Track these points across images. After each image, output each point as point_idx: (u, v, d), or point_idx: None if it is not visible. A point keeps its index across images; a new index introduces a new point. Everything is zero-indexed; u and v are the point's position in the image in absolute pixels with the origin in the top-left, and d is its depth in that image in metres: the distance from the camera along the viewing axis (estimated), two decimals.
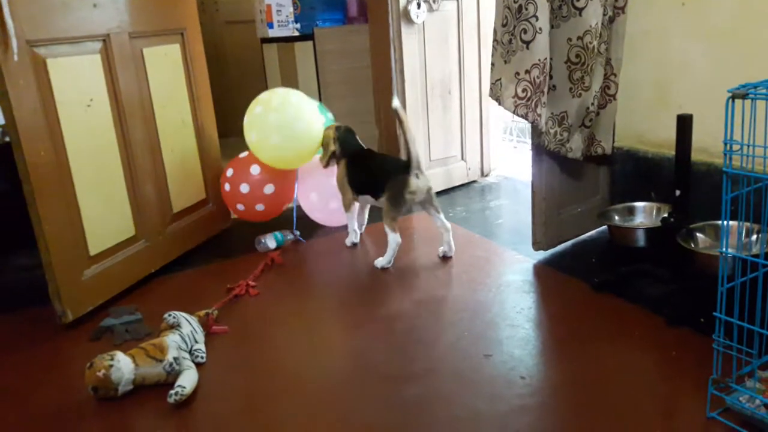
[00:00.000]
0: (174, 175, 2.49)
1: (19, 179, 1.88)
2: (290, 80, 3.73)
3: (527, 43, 1.93)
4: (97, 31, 2.11)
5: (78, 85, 2.04)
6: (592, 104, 2.12)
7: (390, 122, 3.05)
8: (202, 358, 1.74)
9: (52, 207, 1.94)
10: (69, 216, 2.02)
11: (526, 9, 1.90)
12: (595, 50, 2.03)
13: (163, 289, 2.30)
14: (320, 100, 3.44)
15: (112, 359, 1.60)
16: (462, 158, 3.23)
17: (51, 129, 1.94)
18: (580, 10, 1.97)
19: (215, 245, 2.69)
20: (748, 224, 1.73)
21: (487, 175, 3.35)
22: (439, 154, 3.12)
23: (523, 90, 1.97)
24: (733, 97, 1.22)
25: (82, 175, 2.06)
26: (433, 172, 3.09)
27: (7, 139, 1.90)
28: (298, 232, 2.67)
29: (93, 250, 2.12)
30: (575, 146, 2.15)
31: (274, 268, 2.40)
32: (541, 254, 2.30)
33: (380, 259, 2.33)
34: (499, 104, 2.03)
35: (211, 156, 2.74)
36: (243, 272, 2.32)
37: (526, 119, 2.01)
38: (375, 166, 2.39)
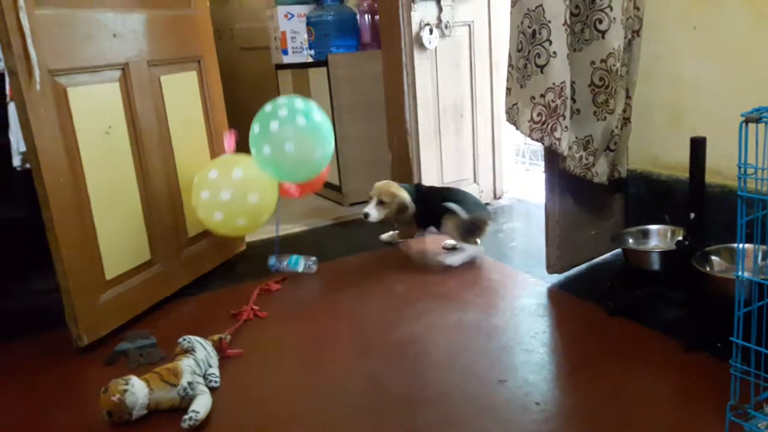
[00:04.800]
0: (190, 199, 2.52)
1: (38, 204, 1.91)
2: None
3: (541, 67, 1.94)
4: (117, 59, 2.16)
5: (97, 112, 2.09)
6: (617, 127, 2.12)
7: (402, 146, 3.08)
8: (216, 382, 1.74)
9: (69, 232, 1.97)
10: (86, 241, 2.04)
11: (540, 34, 1.92)
12: (618, 73, 2.04)
13: (177, 313, 2.32)
14: (334, 124, 3.47)
15: (126, 384, 1.61)
16: (475, 181, 3.24)
17: (70, 156, 1.97)
18: (603, 32, 1.99)
19: (229, 269, 2.71)
20: (764, 247, 1.72)
21: (499, 198, 3.36)
22: (451, 177, 3.13)
23: (539, 114, 1.98)
24: (747, 121, 1.22)
25: (100, 200, 2.09)
26: None
27: (28, 165, 1.94)
28: (313, 259, 2.62)
29: (109, 275, 2.14)
30: (601, 170, 2.16)
31: (277, 293, 2.40)
32: (555, 277, 2.29)
33: (453, 257, 2.50)
34: (516, 129, 2.04)
35: None
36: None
37: (542, 143, 2.01)
38: (440, 207, 2.55)
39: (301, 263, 2.58)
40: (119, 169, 2.19)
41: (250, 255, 2.85)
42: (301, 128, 2.30)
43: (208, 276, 2.62)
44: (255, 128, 2.34)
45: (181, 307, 2.37)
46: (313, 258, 2.62)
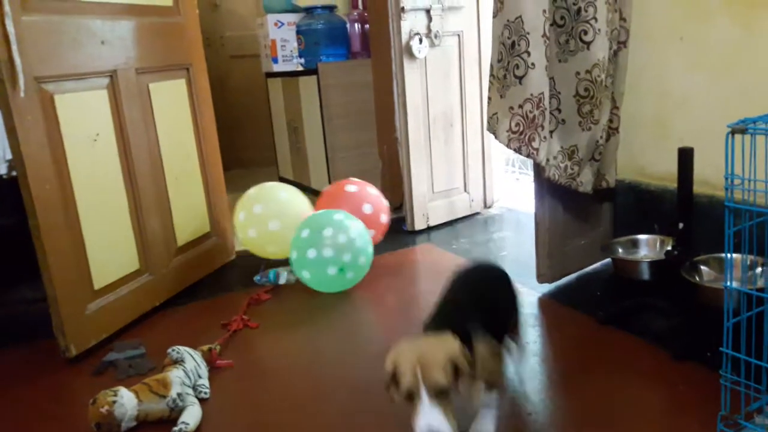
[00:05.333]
0: (179, 208, 2.51)
1: (24, 213, 1.89)
2: (294, 113, 3.78)
3: (520, 78, 1.95)
4: (105, 67, 2.15)
5: (85, 120, 2.07)
6: (602, 137, 2.14)
7: (393, 154, 3.08)
8: (205, 393, 1.73)
9: (57, 241, 1.95)
10: (74, 250, 2.02)
11: (519, 45, 1.93)
12: (603, 83, 2.05)
13: (166, 322, 2.30)
14: (324, 133, 3.47)
15: (115, 395, 1.59)
16: (465, 190, 3.24)
17: (57, 164, 1.95)
18: (588, 44, 2.00)
19: (218, 278, 2.69)
20: (752, 257, 1.73)
21: (489, 207, 3.36)
22: (441, 186, 3.14)
23: (517, 124, 1.99)
24: (733, 132, 1.23)
25: (88, 209, 2.07)
26: (435, 205, 3.11)
27: (14, 173, 1.92)
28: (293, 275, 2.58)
29: (97, 284, 2.12)
30: (585, 180, 2.17)
31: (266, 303, 2.39)
32: (546, 287, 2.29)
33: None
34: (496, 138, 2.05)
35: (216, 189, 2.76)
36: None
37: (520, 153, 2.02)
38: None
39: (282, 276, 2.56)
40: (107, 177, 2.17)
41: (240, 264, 2.84)
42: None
43: (198, 285, 2.60)
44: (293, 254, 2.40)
45: (170, 316, 2.35)
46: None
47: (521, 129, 1.98)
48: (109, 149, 2.18)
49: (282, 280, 2.55)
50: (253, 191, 2.61)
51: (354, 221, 2.39)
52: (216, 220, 2.76)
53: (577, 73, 2.04)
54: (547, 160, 2.05)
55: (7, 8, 1.74)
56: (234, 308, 2.30)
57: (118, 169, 2.22)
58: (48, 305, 1.97)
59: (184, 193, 2.55)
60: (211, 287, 2.60)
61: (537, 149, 1.99)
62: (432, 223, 3.11)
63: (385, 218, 2.71)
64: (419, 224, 3.07)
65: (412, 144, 2.98)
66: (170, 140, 2.46)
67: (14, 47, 1.77)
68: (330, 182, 3.48)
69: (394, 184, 3.06)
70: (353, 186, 2.71)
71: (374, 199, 2.70)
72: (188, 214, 2.58)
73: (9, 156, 2.15)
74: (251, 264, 2.72)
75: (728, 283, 1.28)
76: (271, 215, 2.52)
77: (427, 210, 3.07)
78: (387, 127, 3.09)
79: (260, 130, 4.55)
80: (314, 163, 3.72)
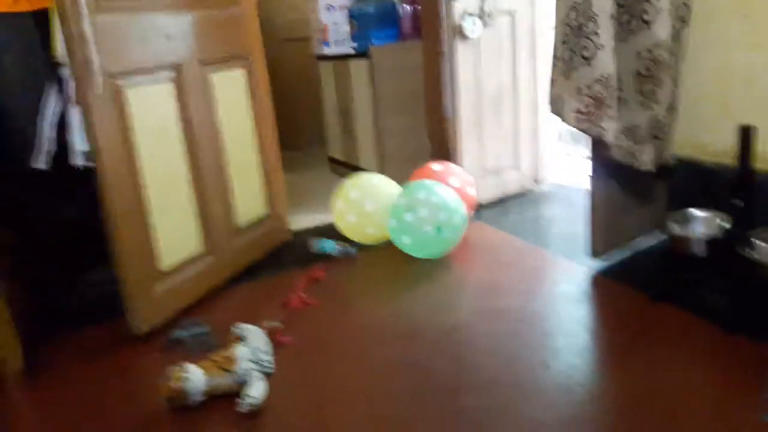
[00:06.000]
0: (239, 194, 2.61)
1: (97, 202, 2.02)
2: (345, 96, 3.84)
3: (588, 59, 1.96)
4: (171, 60, 2.25)
5: (153, 112, 2.18)
6: (664, 116, 2.13)
7: (443, 134, 3.11)
8: (270, 369, 1.83)
9: (127, 227, 2.07)
10: (143, 235, 2.15)
11: (587, 26, 1.93)
12: (665, 62, 2.04)
13: (228, 302, 2.41)
14: (375, 115, 3.52)
15: (185, 371, 1.70)
16: (515, 168, 3.25)
17: (128, 154, 2.07)
18: (649, 23, 1.99)
19: (277, 258, 2.80)
20: None
21: (540, 184, 3.36)
22: (492, 164, 3.15)
23: (586, 106, 2.00)
24: None
25: (156, 196, 2.18)
26: (486, 182, 3.13)
27: (91, 164, 2.04)
28: (352, 249, 2.73)
29: (164, 267, 2.24)
30: (647, 158, 2.17)
31: (323, 281, 2.48)
32: (598, 263, 2.30)
33: None
34: (561, 119, 2.07)
35: (274, 174, 2.85)
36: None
37: (589, 133, 2.04)
38: None
39: (335, 248, 2.72)
40: (173, 166, 2.29)
41: (296, 244, 2.93)
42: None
43: (257, 266, 2.71)
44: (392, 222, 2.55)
45: (232, 295, 2.46)
46: (352, 248, 2.73)
47: (590, 110, 1.99)
48: (175, 139, 2.28)
49: (335, 253, 2.70)
50: (347, 182, 2.78)
51: (445, 187, 2.56)
52: (273, 203, 2.85)
53: (638, 53, 2.03)
54: (615, 138, 2.06)
55: (84, 10, 1.85)
56: (292, 287, 2.40)
57: (184, 158, 2.33)
58: (118, 288, 2.09)
59: (243, 178, 2.65)
60: (270, 267, 2.70)
61: (606, 130, 2.01)
62: (482, 202, 3.13)
63: (472, 191, 2.85)
64: (473, 204, 3.09)
65: (464, 123, 3.00)
66: (231, 128, 2.56)
67: (92, 47, 1.87)
68: (379, 164, 3.54)
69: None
70: (439, 165, 2.85)
71: (460, 174, 2.86)
72: (248, 199, 2.68)
73: (85, 147, 2.28)
74: (307, 243, 2.82)
75: None
76: (366, 197, 2.68)
77: (476, 188, 3.09)
78: (436, 107, 3.11)
79: (311, 112, 4.65)
80: (364, 144, 3.78)
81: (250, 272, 2.65)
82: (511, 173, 3.24)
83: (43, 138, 2.37)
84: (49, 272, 2.63)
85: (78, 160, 2.37)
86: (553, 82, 2.08)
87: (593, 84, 1.97)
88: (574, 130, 2.11)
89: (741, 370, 1.58)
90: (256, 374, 1.74)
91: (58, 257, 2.63)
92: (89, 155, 2.19)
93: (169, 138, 2.26)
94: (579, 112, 2.01)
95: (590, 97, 1.98)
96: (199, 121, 2.37)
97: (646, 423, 1.45)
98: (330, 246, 2.73)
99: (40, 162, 2.38)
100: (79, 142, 2.36)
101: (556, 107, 2.07)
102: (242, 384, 1.71)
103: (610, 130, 2.01)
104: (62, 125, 2.39)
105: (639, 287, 2.09)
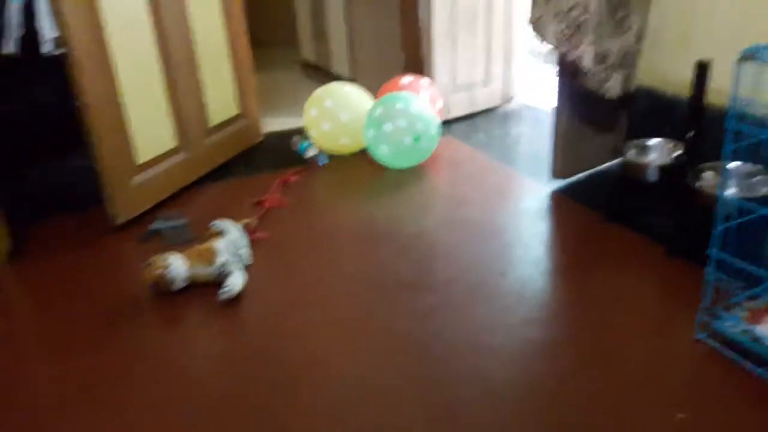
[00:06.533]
0: (210, 89, 2.62)
1: (68, 89, 2.02)
2: None
3: None
4: None
5: (123, 3, 2.15)
6: (632, 45, 2.20)
7: (416, 46, 3.12)
8: (248, 261, 1.93)
9: (102, 119, 2.09)
10: (118, 127, 2.17)
11: None
12: None
13: (202, 198, 2.48)
14: (346, 20, 3.48)
15: (168, 259, 1.79)
16: (486, 84, 3.30)
17: (100, 45, 2.06)
18: None
19: (248, 159, 2.85)
20: (753, 167, 1.86)
21: (509, 102, 3.43)
22: (463, 79, 3.19)
23: (567, 27, 2.06)
24: (742, 59, 1.32)
25: (129, 88, 2.19)
26: (457, 98, 3.19)
27: (61, 50, 2.01)
28: (323, 156, 2.77)
29: (139, 160, 2.28)
30: (613, 86, 2.25)
31: (297, 185, 2.55)
32: (558, 183, 2.43)
33: None
34: (543, 39, 2.12)
35: (244, 71, 2.84)
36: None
37: (566, 57, 2.10)
38: None
39: (311, 149, 2.77)
40: (145, 59, 2.28)
41: (268, 145, 2.97)
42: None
43: (229, 164, 2.76)
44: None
45: (205, 192, 2.52)
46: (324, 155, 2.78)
47: (568, 33, 2.06)
48: (145, 31, 2.26)
49: (311, 153, 2.74)
50: (320, 90, 2.78)
51: (420, 98, 2.63)
52: (245, 103, 2.86)
53: None
54: (591, 64, 2.13)
55: None
56: (264, 187, 2.47)
57: (155, 50, 2.31)
58: (95, 174, 2.13)
59: (215, 76, 2.65)
60: (243, 166, 2.76)
61: (582, 55, 2.08)
62: (452, 116, 3.20)
63: (441, 103, 2.92)
64: (440, 117, 3.16)
65: (437, 35, 3.01)
66: (200, 21, 2.53)
67: None
68: (352, 71, 3.54)
69: (417, 75, 3.12)
70: (407, 78, 2.89)
71: (427, 89, 2.89)
72: (219, 95, 2.69)
73: (54, 34, 2.24)
74: (279, 146, 2.86)
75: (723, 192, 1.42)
76: (341, 107, 2.69)
77: (448, 103, 3.15)
78: (412, 18, 3.10)
79: (281, 8, 4.54)
80: (337, 49, 3.75)
81: (222, 171, 2.69)
82: (481, 89, 3.29)
83: (12, 23, 2.31)
84: (23, 158, 2.62)
85: (48, 48, 2.33)
86: (534, 3, 2.12)
87: (572, 9, 2.02)
88: (545, 50, 2.18)
89: (679, 291, 1.74)
90: (236, 265, 1.84)
91: (32, 143, 2.62)
92: (59, 41, 2.16)
93: (140, 30, 2.24)
94: (561, 33, 2.07)
95: (568, 21, 2.04)
96: (168, 13, 2.35)
97: (587, 331, 1.61)
98: (312, 148, 2.77)
99: (10, 47, 2.33)
100: (47, 29, 2.31)
101: (539, 29, 2.12)
102: (222, 275, 1.81)
103: (587, 55, 2.09)
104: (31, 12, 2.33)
105: (594, 208, 2.23)
